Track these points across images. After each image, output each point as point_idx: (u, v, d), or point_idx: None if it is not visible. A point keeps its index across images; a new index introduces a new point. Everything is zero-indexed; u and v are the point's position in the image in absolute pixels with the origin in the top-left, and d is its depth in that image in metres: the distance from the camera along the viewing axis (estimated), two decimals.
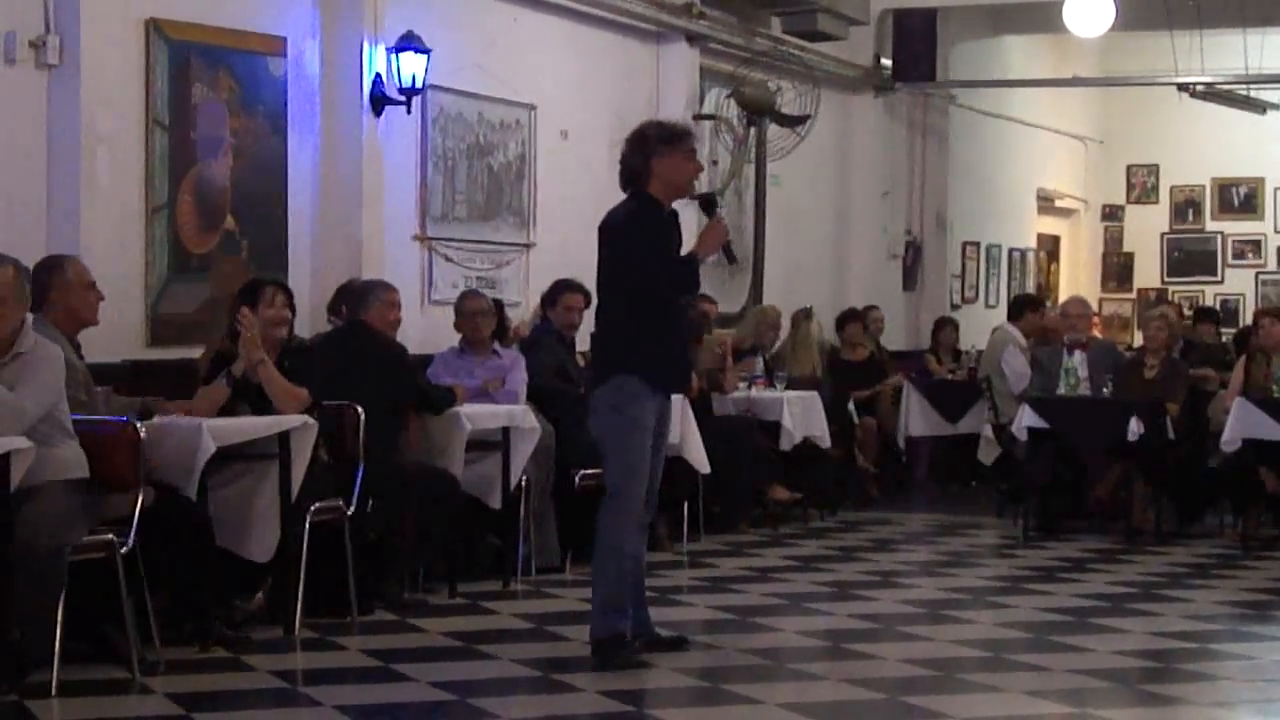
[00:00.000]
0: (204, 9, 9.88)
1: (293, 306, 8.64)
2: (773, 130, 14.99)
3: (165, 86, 9.67)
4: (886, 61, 17.01)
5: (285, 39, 10.49)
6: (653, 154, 7.61)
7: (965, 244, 19.01)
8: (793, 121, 14.96)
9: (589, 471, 10.30)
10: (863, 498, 13.89)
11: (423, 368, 10.07)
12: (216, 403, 8.09)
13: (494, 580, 9.70)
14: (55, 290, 7.68)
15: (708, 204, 8.06)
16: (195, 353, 9.01)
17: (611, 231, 7.71)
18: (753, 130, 14.89)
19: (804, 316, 14.43)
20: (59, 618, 6.76)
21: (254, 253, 10.23)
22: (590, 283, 11.16)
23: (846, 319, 14.94)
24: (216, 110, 10.00)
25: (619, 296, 7.68)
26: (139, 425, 7.30)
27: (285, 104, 10.49)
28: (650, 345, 7.56)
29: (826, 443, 12.82)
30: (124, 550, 7.10)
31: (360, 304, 9.36)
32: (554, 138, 12.89)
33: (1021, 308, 14.91)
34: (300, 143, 10.63)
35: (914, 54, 17.04)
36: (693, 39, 14.12)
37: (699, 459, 11.21)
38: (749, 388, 12.68)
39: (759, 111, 14.74)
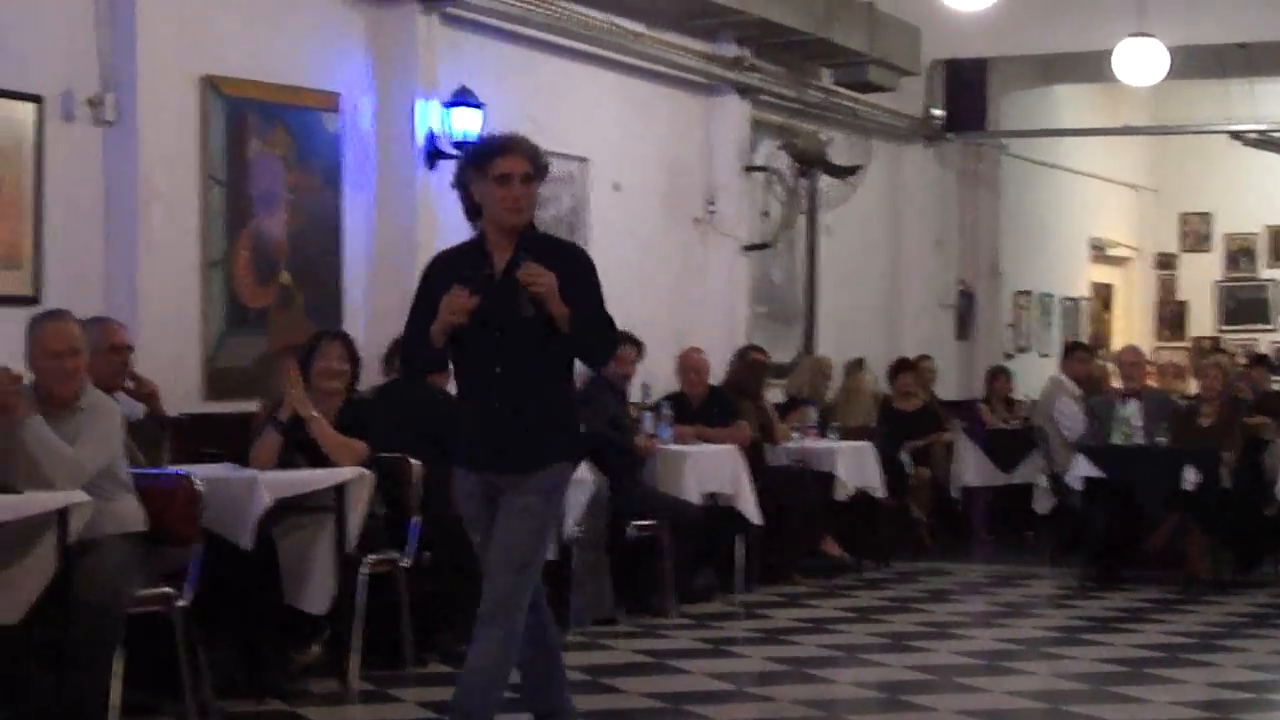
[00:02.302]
0: (259, 66, 9.97)
1: (355, 357, 8.66)
2: (824, 181, 15.00)
3: (221, 143, 9.75)
4: (938, 112, 17.02)
5: (339, 95, 10.57)
6: (469, 181, 6.29)
7: (1018, 293, 18.97)
8: (844, 172, 14.97)
9: (642, 523, 10.34)
10: (917, 548, 13.85)
11: None
12: (273, 450, 8.13)
13: None
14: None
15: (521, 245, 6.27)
16: (252, 406, 9.07)
17: None
18: (804, 181, 14.91)
19: (856, 367, 14.44)
20: (116, 670, 6.79)
21: (310, 306, 10.29)
22: (643, 333, 11.28)
23: (899, 369, 14.92)
24: (272, 166, 10.07)
25: None
26: (197, 479, 7.35)
27: (340, 159, 10.56)
28: (459, 418, 6.42)
29: (880, 493, 12.82)
30: (181, 603, 7.15)
31: None
32: (606, 190, 12.93)
33: (1070, 353, 14.91)
34: (355, 197, 10.69)
35: (965, 104, 17.06)
36: (744, 91, 14.16)
37: (751, 510, 11.23)
38: (802, 438, 12.68)
39: (810, 162, 14.75)
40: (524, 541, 6.14)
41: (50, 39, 8.88)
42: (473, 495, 6.31)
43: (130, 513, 7.17)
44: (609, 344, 6.45)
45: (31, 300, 8.50)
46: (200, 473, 7.59)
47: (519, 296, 6.07)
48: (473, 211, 6.33)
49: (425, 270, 6.44)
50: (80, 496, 6.81)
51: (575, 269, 6.23)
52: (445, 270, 6.31)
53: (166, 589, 7.14)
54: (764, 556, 11.82)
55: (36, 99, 8.76)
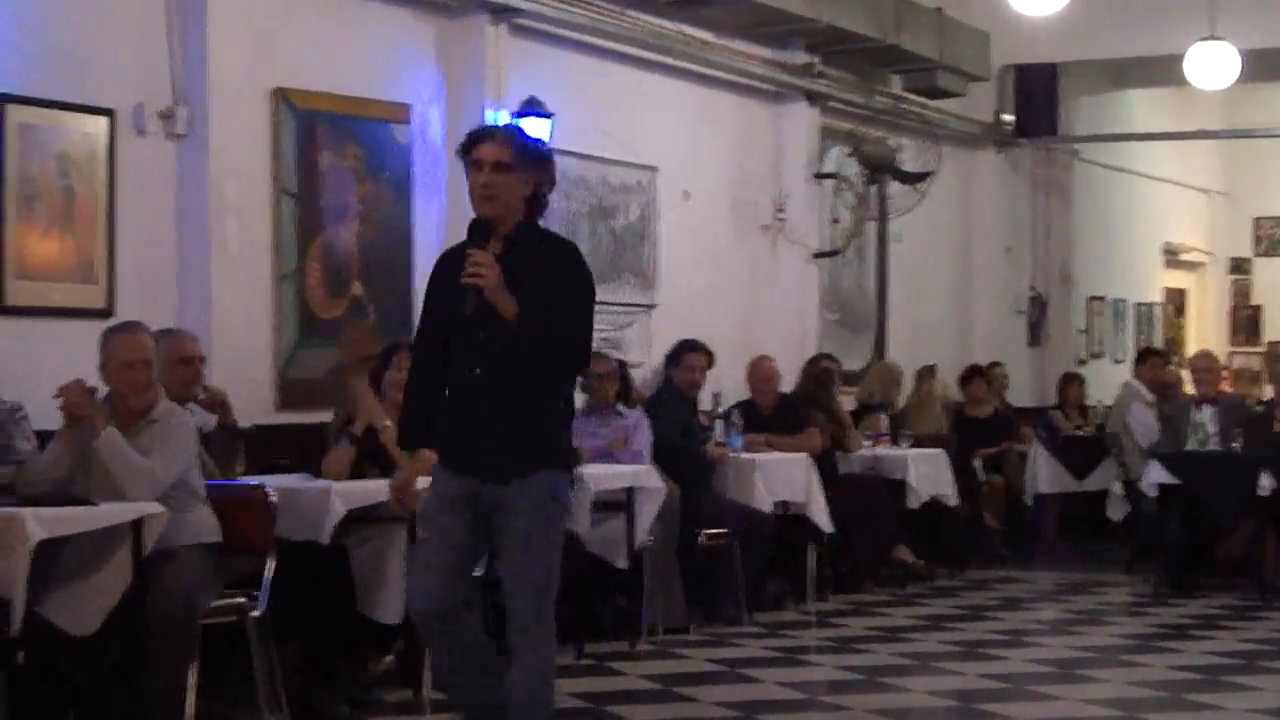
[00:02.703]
0: (330, 78, 10.01)
1: None
2: (894, 187, 14.96)
3: (292, 155, 9.80)
4: (1008, 117, 16.95)
5: (410, 106, 10.61)
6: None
7: (1090, 299, 18.87)
8: (914, 178, 14.91)
9: (714, 531, 10.33)
10: (990, 556, 13.79)
11: None
12: (344, 464, 8.17)
13: (620, 641, 9.70)
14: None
15: (477, 226, 6.07)
16: (324, 417, 9.10)
17: None
18: (874, 188, 14.86)
19: (927, 374, 14.40)
20: (191, 681, 6.82)
21: (381, 317, 10.33)
22: (713, 342, 11.27)
23: (971, 376, 14.85)
24: (343, 177, 10.12)
25: None
26: (270, 489, 7.39)
27: (410, 170, 10.60)
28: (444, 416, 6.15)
29: (953, 501, 12.77)
30: (255, 613, 7.18)
31: None
32: (675, 199, 12.94)
33: (1143, 359, 14.83)
34: (425, 208, 10.72)
35: (1035, 109, 16.98)
36: (813, 98, 14.14)
37: (823, 518, 11.21)
38: (874, 446, 12.65)
39: (880, 169, 14.71)
40: (535, 569, 5.93)
41: (122, 53, 8.95)
42: (443, 494, 6.03)
43: (204, 523, 7.21)
44: (560, 348, 5.97)
45: (105, 313, 8.56)
46: (274, 483, 7.64)
47: (465, 294, 5.87)
48: None
49: (433, 270, 6.29)
50: (154, 508, 6.85)
51: (556, 268, 6.01)
52: (440, 271, 6.19)
53: (240, 599, 7.18)
54: (836, 565, 11.80)
55: (109, 113, 8.82)
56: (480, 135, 6.10)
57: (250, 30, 9.42)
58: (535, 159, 6.08)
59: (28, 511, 6.45)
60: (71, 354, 7.68)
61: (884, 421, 13.05)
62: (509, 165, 5.97)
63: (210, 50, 9.12)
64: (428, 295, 6.24)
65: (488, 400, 5.95)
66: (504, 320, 5.83)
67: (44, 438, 7.22)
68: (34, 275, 8.48)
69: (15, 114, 8.36)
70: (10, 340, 8.06)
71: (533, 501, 5.92)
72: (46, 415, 7.17)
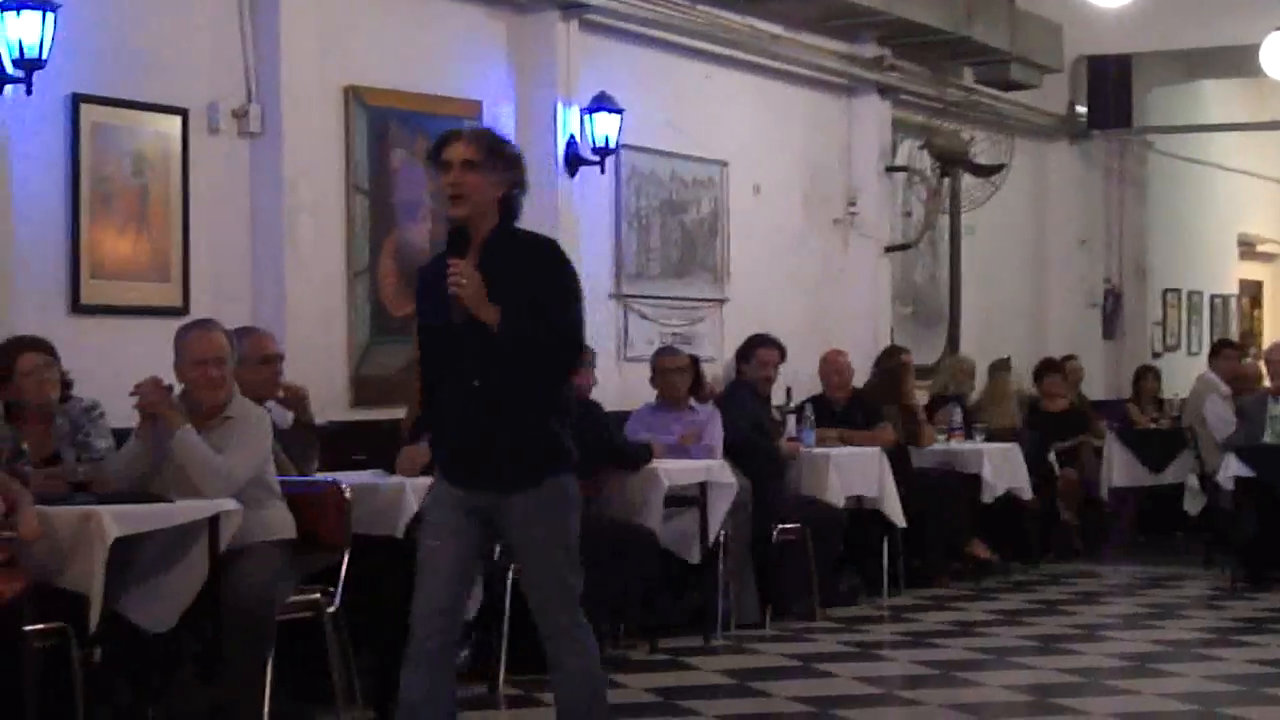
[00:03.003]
0: (401, 75, 10.04)
1: None
2: (967, 180, 14.91)
3: (365, 152, 9.84)
4: (1081, 109, 16.87)
5: (481, 103, 10.63)
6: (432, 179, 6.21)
7: (1166, 291, 18.75)
8: (987, 171, 14.87)
9: (787, 526, 10.32)
10: (1065, 550, 13.72)
11: (619, 424, 10.12)
12: (418, 460, 8.19)
13: (694, 636, 9.70)
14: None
15: (454, 235, 5.81)
16: (398, 413, 9.13)
17: None
18: (946, 181, 14.82)
19: (1001, 367, 14.33)
20: (268, 677, 6.85)
21: None
22: (785, 336, 11.25)
23: (1045, 369, 14.77)
24: (415, 174, 10.15)
25: None
26: (345, 486, 7.42)
27: None
28: (441, 429, 5.99)
29: (1028, 495, 12.70)
30: (331, 609, 7.22)
31: None
32: (746, 193, 12.93)
33: (1218, 351, 14.72)
34: None
35: (1109, 100, 16.88)
36: (884, 91, 14.10)
37: (896, 512, 11.18)
38: (947, 440, 12.60)
39: (952, 162, 14.66)
40: (560, 576, 5.76)
41: (196, 52, 9.00)
42: (442, 502, 5.85)
43: (279, 520, 7.24)
44: (551, 350, 5.75)
45: (180, 311, 8.61)
46: (349, 479, 7.67)
47: (451, 304, 5.67)
48: None
49: (417, 281, 6.14)
50: (230, 505, 6.89)
51: (538, 268, 5.77)
52: (424, 282, 5.96)
53: (316, 594, 7.21)
54: (910, 559, 11.76)
55: (182, 112, 8.88)
56: (447, 137, 5.94)
57: (322, 28, 9.46)
58: (505, 159, 5.81)
59: (105, 509, 6.49)
60: (147, 352, 7.73)
61: (957, 415, 12.99)
62: (477, 164, 5.72)
63: (283, 49, 9.16)
64: (417, 309, 6.09)
65: (489, 411, 5.72)
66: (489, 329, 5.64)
67: (121, 436, 7.27)
68: (109, 274, 8.54)
69: (90, 113, 8.42)
70: (87, 339, 8.12)
71: (546, 510, 5.76)
72: (123, 413, 7.22)
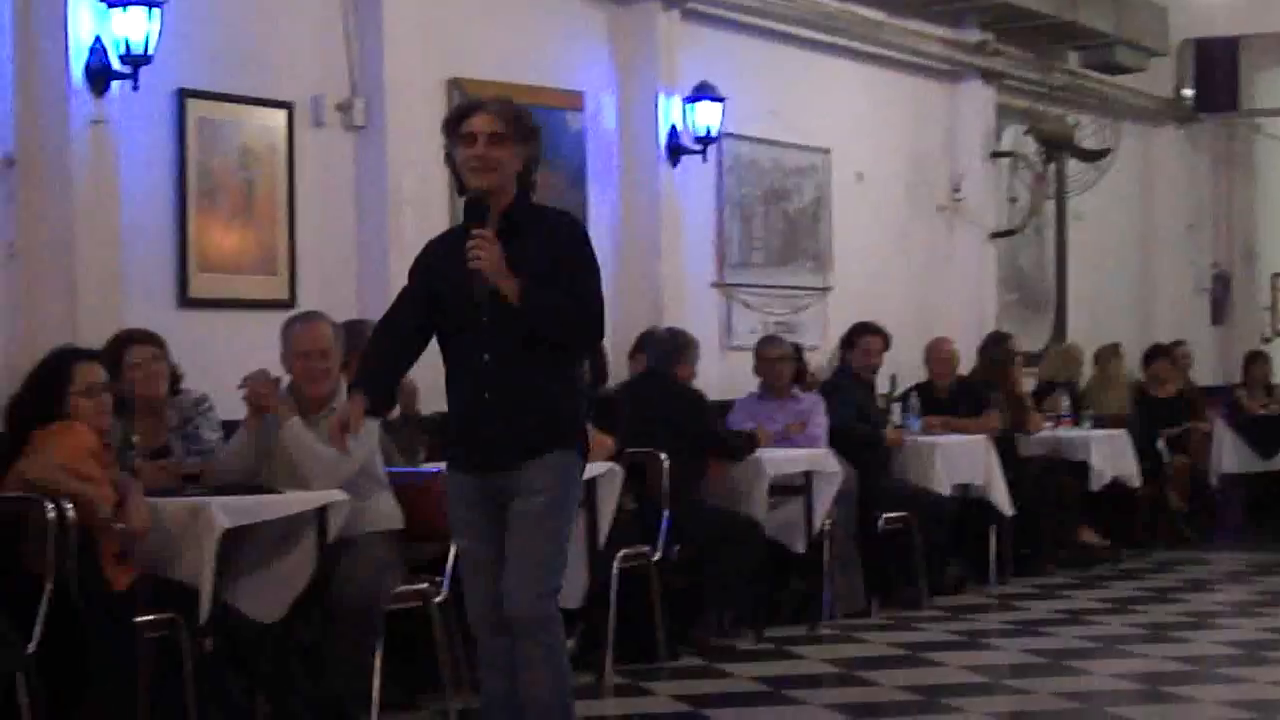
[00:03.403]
0: (504, 67, 10.07)
1: (598, 356, 8.71)
2: (1072, 165, 14.81)
3: None
4: (1188, 92, 16.69)
5: (583, 94, 10.66)
6: (451, 152, 5.79)
7: (1275, 275, 18.50)
8: (1092, 156, 14.75)
9: (893, 515, 10.28)
10: (1175, 537, 13.59)
11: (722, 414, 10.12)
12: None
13: (800, 625, 9.68)
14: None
15: (473, 206, 5.71)
16: None
17: None
18: (1052, 166, 14.72)
19: (1111, 353, 14.20)
20: (376, 666, 6.89)
21: None
22: (889, 323, 11.21)
23: (1153, 355, 14.63)
24: None
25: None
26: None
27: (584, 157, 10.65)
28: (450, 411, 5.88)
29: (1136, 482, 12.60)
30: (439, 599, 7.25)
31: (669, 357, 9.44)
32: (849, 180, 12.88)
33: None
34: (599, 195, 10.77)
35: (1216, 83, 16.69)
36: (988, 76, 14.01)
37: (1003, 500, 11.12)
38: (1055, 427, 12.51)
39: (1058, 147, 14.56)
40: (544, 552, 5.56)
41: (299, 46, 9.07)
42: (462, 497, 5.73)
43: (387, 510, 7.27)
44: (574, 323, 5.63)
45: (286, 304, 8.67)
46: None
47: (473, 274, 5.52)
48: (462, 186, 5.78)
49: (416, 258, 5.94)
50: (338, 495, 6.93)
51: (558, 241, 5.66)
52: (428, 257, 5.86)
53: (423, 584, 7.24)
54: (1018, 547, 11.68)
55: (287, 106, 8.95)
56: (469, 108, 5.75)
57: (425, 21, 9.51)
58: (526, 131, 5.72)
59: (215, 501, 6.54)
60: (255, 345, 7.79)
61: (1065, 402, 12.90)
62: (504, 136, 5.63)
63: (386, 42, 9.22)
64: (411, 284, 5.85)
65: (500, 386, 5.59)
66: (509, 303, 5.49)
67: (229, 428, 7.33)
68: (216, 268, 8.62)
69: (195, 108, 8.50)
70: (195, 332, 8.20)
71: (549, 481, 5.59)
72: (231, 406, 7.28)
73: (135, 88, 7.94)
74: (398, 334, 5.82)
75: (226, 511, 6.51)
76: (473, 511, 5.69)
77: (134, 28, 7.81)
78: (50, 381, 6.62)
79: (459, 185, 5.78)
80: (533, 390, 5.61)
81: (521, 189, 5.71)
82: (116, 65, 7.86)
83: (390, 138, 9.23)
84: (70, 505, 6.16)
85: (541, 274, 5.53)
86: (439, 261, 5.76)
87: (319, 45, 9.14)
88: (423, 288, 5.78)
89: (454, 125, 5.72)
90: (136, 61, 7.86)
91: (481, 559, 5.68)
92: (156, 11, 7.84)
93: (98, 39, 7.82)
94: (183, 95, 8.46)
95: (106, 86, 7.89)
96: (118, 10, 7.80)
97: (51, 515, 6.11)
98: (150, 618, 6.38)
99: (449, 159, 5.76)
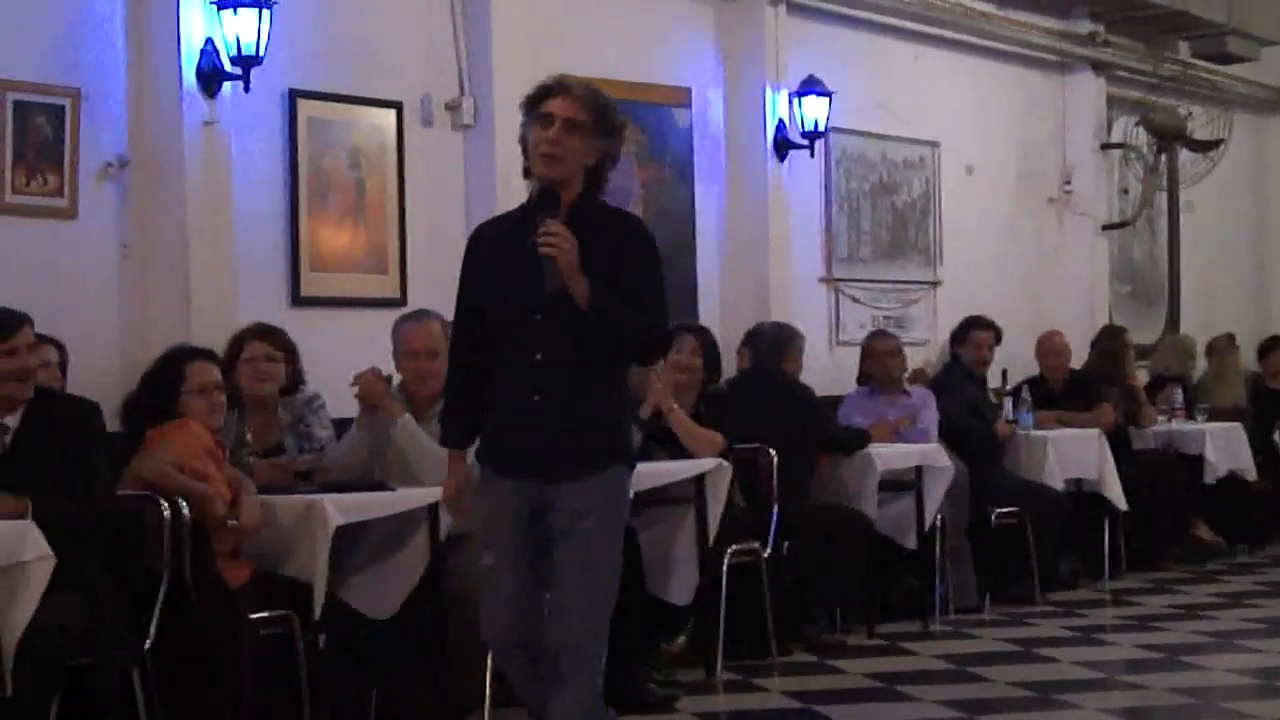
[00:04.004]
0: (611, 64, 10.07)
1: (710, 350, 8.69)
2: (1184, 156, 14.66)
3: None
4: None
5: (690, 89, 10.66)
6: (526, 132, 5.39)
7: None
8: (1205, 146, 14.60)
9: (1005, 510, 10.22)
10: None
11: (831, 409, 10.09)
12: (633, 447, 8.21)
13: (912, 621, 9.64)
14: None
15: (545, 195, 5.31)
16: None
17: None
18: (1163, 157, 14.58)
19: (1227, 344, 14.05)
20: (489, 663, 6.92)
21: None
22: (999, 317, 11.14)
23: (1269, 347, 14.43)
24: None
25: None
26: None
27: (691, 153, 10.65)
28: (489, 413, 5.41)
29: (1252, 475, 12.46)
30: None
31: (773, 352, 9.43)
32: (958, 174, 12.81)
33: None
34: (706, 190, 10.77)
35: None
36: (1099, 67, 13.89)
37: (1117, 495, 11.03)
38: (1169, 420, 12.40)
39: (1169, 138, 14.43)
40: (599, 577, 5.24)
41: (408, 46, 9.11)
42: (498, 509, 5.31)
43: None
44: (640, 335, 5.26)
45: (398, 302, 8.72)
46: None
47: (545, 269, 5.13)
48: (527, 169, 5.40)
49: (467, 244, 5.56)
50: None
51: (625, 245, 5.29)
52: (480, 244, 5.48)
53: None
54: (1131, 542, 11.58)
55: (396, 105, 9.00)
56: (551, 88, 5.32)
57: (532, 20, 9.53)
58: (609, 126, 5.33)
59: (327, 498, 6.59)
60: (366, 343, 7.84)
61: (1179, 395, 12.77)
62: (582, 125, 5.26)
63: (494, 41, 9.25)
64: (467, 276, 5.44)
65: (549, 390, 5.21)
66: (567, 300, 5.12)
67: (341, 426, 7.39)
68: (327, 267, 8.68)
69: (306, 109, 8.57)
70: (307, 331, 8.24)
71: (601, 502, 5.24)
72: (344, 403, 7.33)
73: (246, 89, 8.01)
74: (474, 375, 5.40)
75: (339, 508, 6.56)
76: (504, 527, 5.30)
77: (245, 29, 7.88)
78: (164, 380, 6.71)
79: (525, 168, 5.41)
80: (586, 397, 5.26)
81: (591, 185, 5.35)
82: (228, 67, 7.93)
83: (498, 137, 9.25)
84: (185, 503, 6.24)
85: (605, 277, 5.15)
86: (490, 249, 5.40)
87: (428, 45, 9.18)
88: (479, 295, 5.39)
89: (534, 104, 5.34)
90: (247, 63, 7.92)
91: (510, 587, 5.31)
92: (267, 13, 7.90)
93: (209, 41, 7.90)
94: (293, 96, 8.53)
95: (218, 88, 7.96)
96: (228, 12, 7.88)
97: (166, 513, 6.19)
98: (264, 614, 6.44)
99: (523, 140, 5.39)
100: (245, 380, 7.26)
